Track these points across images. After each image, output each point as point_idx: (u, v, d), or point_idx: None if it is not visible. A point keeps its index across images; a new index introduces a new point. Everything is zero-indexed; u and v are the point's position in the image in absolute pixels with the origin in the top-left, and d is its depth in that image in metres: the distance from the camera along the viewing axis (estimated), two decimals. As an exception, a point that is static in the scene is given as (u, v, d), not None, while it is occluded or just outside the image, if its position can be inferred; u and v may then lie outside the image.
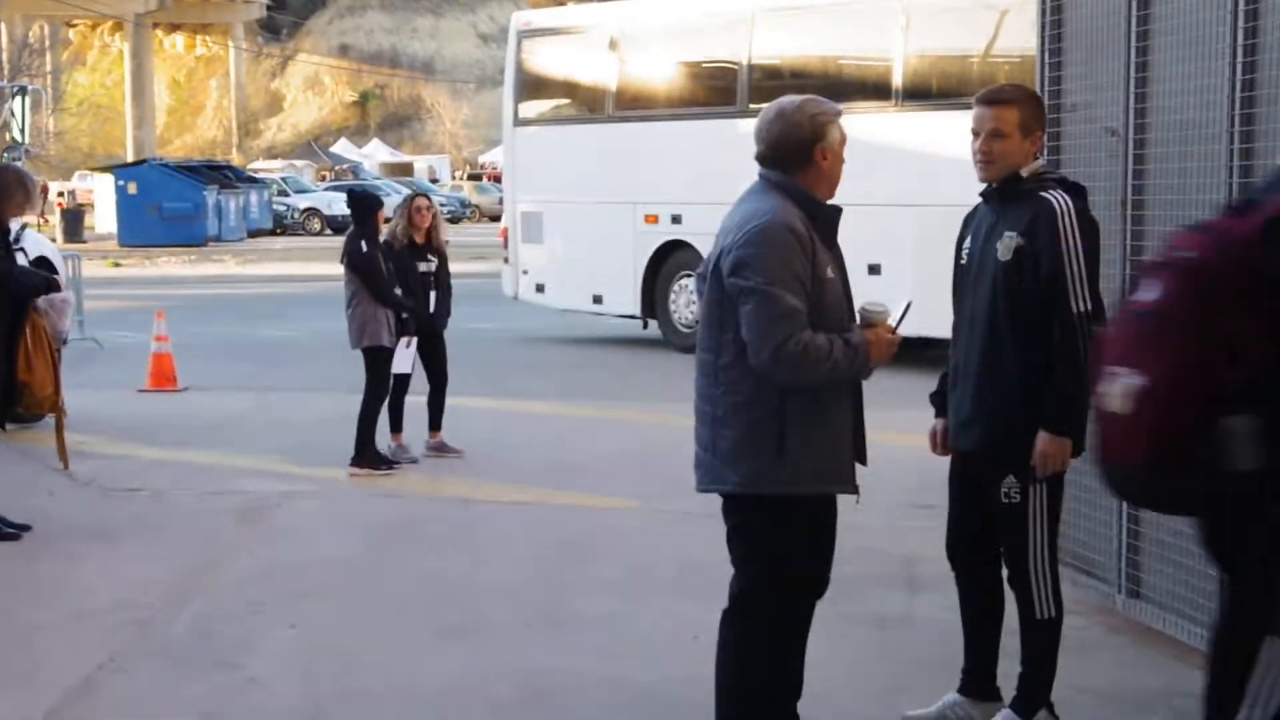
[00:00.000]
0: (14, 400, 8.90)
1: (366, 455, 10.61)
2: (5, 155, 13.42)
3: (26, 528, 8.73)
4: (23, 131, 13.74)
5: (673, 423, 12.85)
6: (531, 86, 19.49)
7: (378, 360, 10.57)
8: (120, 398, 14.46)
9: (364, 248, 10.43)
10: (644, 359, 17.44)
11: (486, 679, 6.21)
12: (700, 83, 18.30)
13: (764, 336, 4.58)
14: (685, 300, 17.89)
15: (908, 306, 4.89)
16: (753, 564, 4.89)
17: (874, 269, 16.10)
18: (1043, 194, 5.24)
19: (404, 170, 68.53)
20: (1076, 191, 5.34)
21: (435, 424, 11.26)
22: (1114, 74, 6.68)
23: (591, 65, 18.79)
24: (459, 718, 5.79)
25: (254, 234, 48.98)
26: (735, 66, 17.26)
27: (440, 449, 11.20)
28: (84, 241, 45.14)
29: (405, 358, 10.75)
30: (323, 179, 63.73)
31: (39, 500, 9.72)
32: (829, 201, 4.84)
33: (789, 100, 4.88)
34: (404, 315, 10.60)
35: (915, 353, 16.50)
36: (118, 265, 36.70)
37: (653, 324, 18.42)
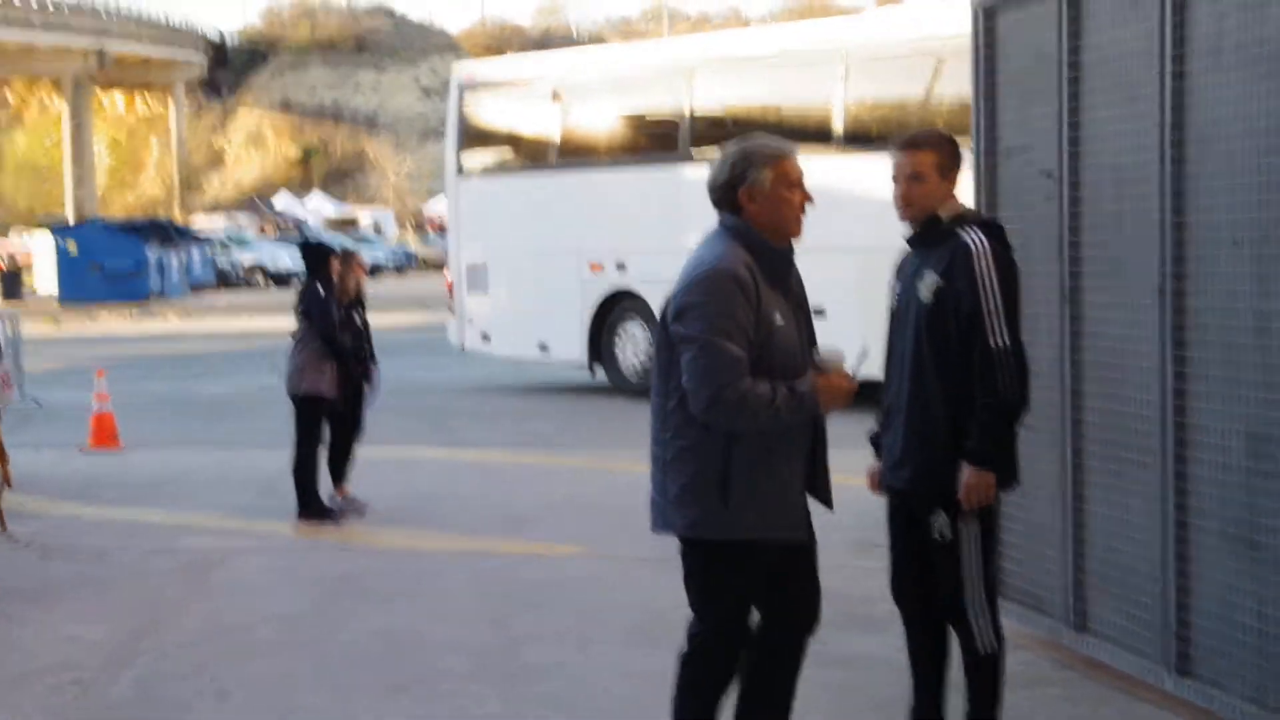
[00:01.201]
0: None
1: (311, 507, 10.55)
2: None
3: None
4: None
5: (621, 469, 12.89)
6: (474, 137, 19.54)
7: (312, 409, 10.55)
8: (62, 457, 14.35)
9: (320, 293, 10.49)
10: (591, 406, 17.45)
11: (437, 732, 6.19)
12: (643, 132, 18.39)
13: (701, 384, 4.61)
14: (631, 348, 17.92)
15: (864, 353, 4.93)
16: (706, 608, 4.93)
17: (818, 312, 16.11)
18: (960, 234, 5.32)
19: (349, 223, 68.44)
20: (993, 231, 5.43)
21: (341, 477, 11.12)
22: (1047, 118, 6.75)
23: (534, 116, 18.86)
24: (409, 772, 5.75)
25: (197, 289, 48.80)
26: (677, 115, 17.35)
27: (351, 504, 11.03)
28: (22, 300, 44.87)
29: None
30: (264, 233, 63.55)
31: (-22, 563, 9.64)
32: (792, 240, 4.90)
33: (734, 142, 4.96)
34: (348, 364, 10.61)
35: (865, 395, 16.61)
36: (58, 323, 36.45)
37: (600, 371, 18.43)
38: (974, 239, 5.32)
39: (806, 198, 4.91)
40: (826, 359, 4.79)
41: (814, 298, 16.81)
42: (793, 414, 4.67)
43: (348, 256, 11.06)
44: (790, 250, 4.88)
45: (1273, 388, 5.44)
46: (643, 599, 8.32)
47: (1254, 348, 5.55)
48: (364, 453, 12.19)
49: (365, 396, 11.08)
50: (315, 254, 10.90)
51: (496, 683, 6.86)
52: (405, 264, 60.23)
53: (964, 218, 5.47)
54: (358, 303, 10.99)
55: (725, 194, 4.85)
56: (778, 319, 4.72)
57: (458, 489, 12.06)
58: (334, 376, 10.58)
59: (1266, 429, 5.49)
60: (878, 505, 10.95)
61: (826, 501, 5.01)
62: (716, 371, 4.59)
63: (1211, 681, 5.88)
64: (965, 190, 7.43)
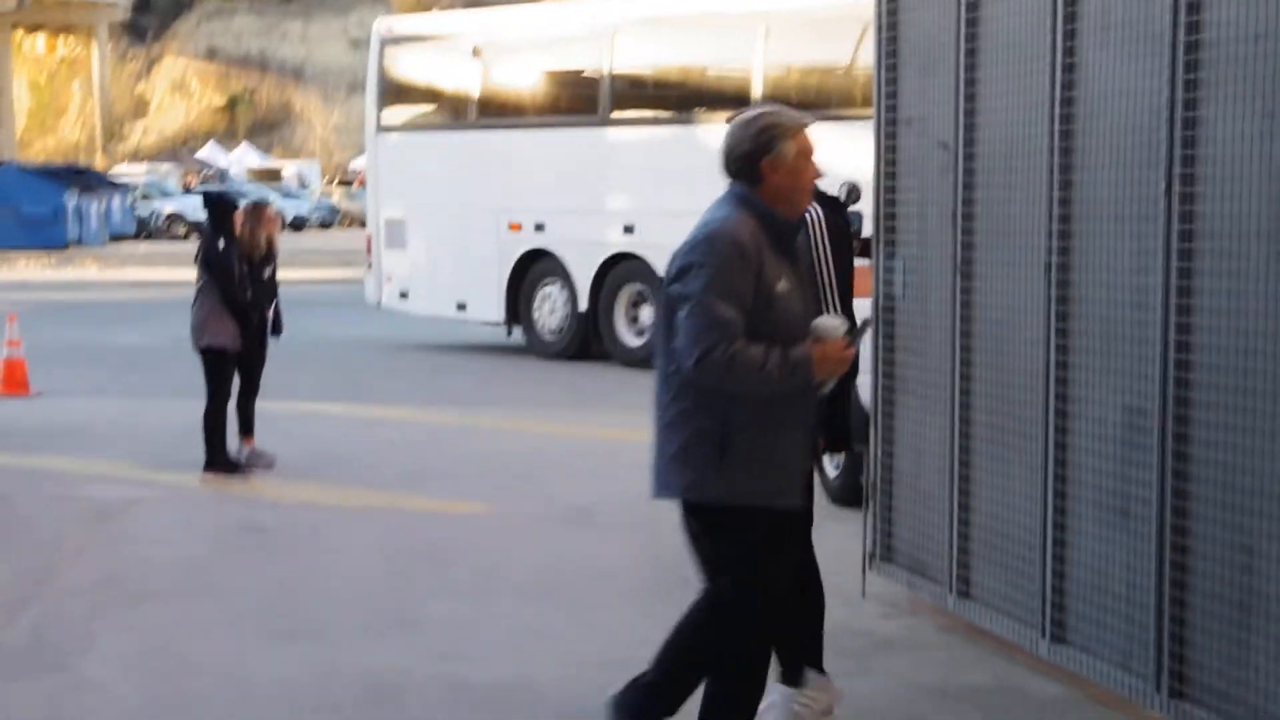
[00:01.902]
0: None
1: (218, 460, 10.57)
2: None
3: None
4: None
5: (531, 429, 12.98)
6: (394, 93, 19.47)
7: (218, 362, 10.54)
8: (-31, 404, 14.28)
9: (220, 246, 10.44)
10: (507, 366, 17.49)
11: (323, 680, 6.25)
12: (563, 92, 18.40)
13: (691, 344, 4.64)
14: (549, 308, 17.96)
15: (865, 325, 5.00)
16: (718, 575, 4.89)
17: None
18: (808, 210, 5.46)
19: (272, 175, 67.78)
20: (832, 204, 5.77)
21: (249, 429, 11.14)
22: (945, 89, 6.86)
23: (455, 72, 18.82)
24: (293, 718, 5.81)
25: (116, 238, 48.30)
26: (597, 76, 17.37)
27: (255, 455, 11.03)
28: (-61, 244, 44.35)
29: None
30: (189, 184, 62.93)
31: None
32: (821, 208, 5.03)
33: (748, 113, 4.99)
34: (248, 318, 10.59)
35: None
36: (-26, 269, 36.07)
37: (517, 331, 18.47)
38: (812, 212, 5.60)
39: (817, 171, 4.93)
40: (824, 327, 4.79)
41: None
42: (785, 379, 4.68)
43: (257, 208, 11.01)
44: (798, 221, 4.91)
45: (1147, 361, 5.58)
46: (541, 557, 8.43)
47: (1131, 321, 5.68)
48: (274, 407, 12.23)
49: (269, 350, 11.09)
50: (218, 206, 10.81)
51: (388, 633, 6.93)
52: (330, 218, 59.85)
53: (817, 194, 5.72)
54: (269, 256, 10.95)
55: (746, 164, 4.85)
56: (781, 286, 4.73)
57: (366, 445, 12.10)
58: (237, 329, 10.57)
59: (1141, 401, 5.63)
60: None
61: (848, 447, 5.40)
62: (706, 331, 4.61)
63: (1083, 648, 6.03)
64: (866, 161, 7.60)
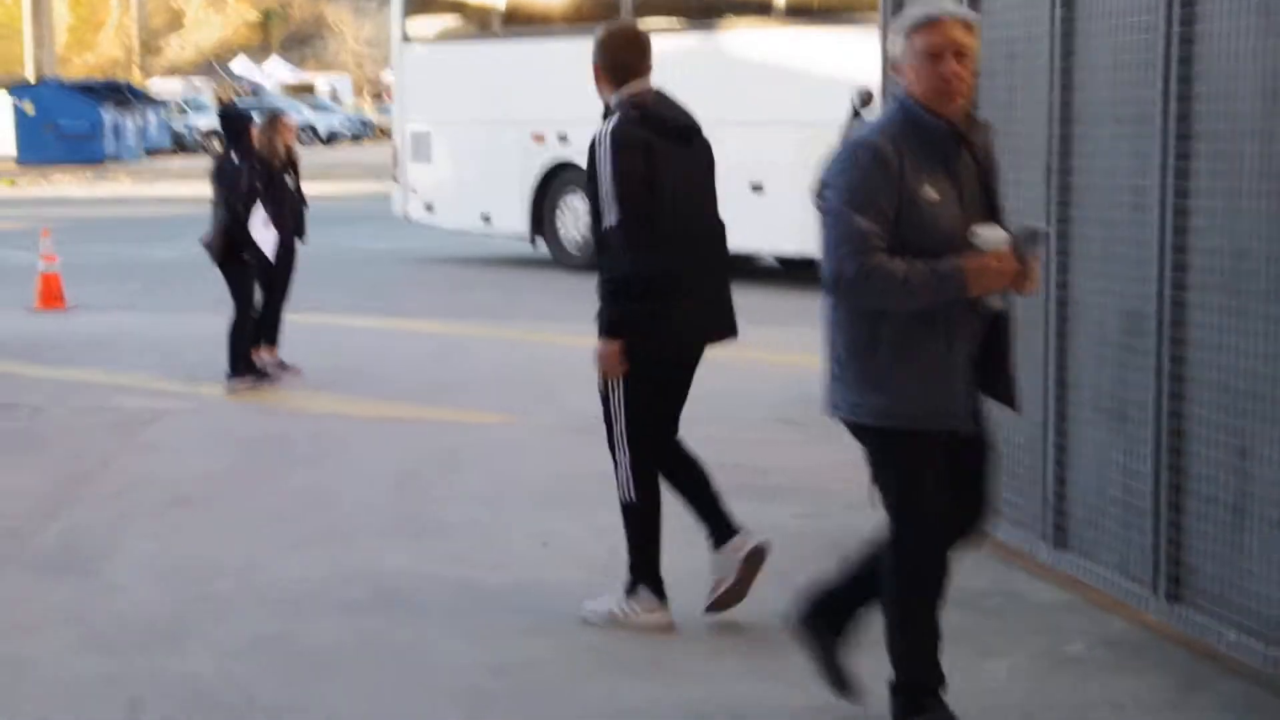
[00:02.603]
0: None
1: (239, 369, 10.71)
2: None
3: None
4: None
5: (555, 341, 13.09)
6: (419, 3, 19.47)
7: (237, 274, 10.65)
8: (7, 317, 14.50)
9: (236, 161, 10.54)
10: (531, 278, 17.59)
11: (341, 582, 6.42)
12: (585, 1, 18.36)
13: (829, 256, 4.47)
14: (573, 220, 18.03)
15: (1034, 233, 4.57)
16: (887, 501, 4.71)
17: (756, 188, 16.34)
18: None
19: (305, 89, 67.79)
20: (622, 113, 5.75)
21: (275, 339, 11.29)
22: (950, -4, 6.87)
23: (479, -17, 18.83)
24: (310, 617, 5.98)
25: (152, 153, 48.48)
26: (621, -16, 17.34)
27: (280, 366, 11.22)
28: (-21, 160, 44.66)
29: (267, 239, 10.68)
30: (223, 99, 62.97)
31: (-84, 416, 9.83)
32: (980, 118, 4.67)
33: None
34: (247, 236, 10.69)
35: (795, 272, 16.82)
36: (14, 184, 36.30)
37: (542, 244, 18.55)
38: (602, 124, 5.71)
39: (957, 69, 4.50)
40: (982, 237, 4.44)
41: (753, 174, 17.10)
42: (931, 294, 4.40)
43: (274, 118, 11.10)
44: (955, 124, 4.53)
45: (1145, 264, 5.64)
46: (558, 465, 8.56)
47: (1130, 223, 5.74)
48: (301, 319, 12.39)
49: (296, 260, 11.21)
50: (233, 121, 10.90)
51: (406, 539, 7.10)
52: (361, 132, 59.90)
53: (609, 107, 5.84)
54: (289, 166, 11.04)
55: (892, 63, 4.67)
56: (930, 195, 4.46)
57: (391, 357, 12.24)
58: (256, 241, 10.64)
59: (1139, 305, 5.70)
60: (800, 382, 11.25)
61: (1007, 400, 4.71)
62: (842, 243, 4.42)
63: (1083, 553, 6.14)
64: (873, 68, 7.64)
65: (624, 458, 5.88)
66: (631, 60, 5.95)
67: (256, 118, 11.15)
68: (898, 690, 4.78)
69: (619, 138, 5.68)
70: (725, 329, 6.00)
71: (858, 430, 4.67)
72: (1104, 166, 5.90)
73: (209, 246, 10.64)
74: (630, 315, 5.65)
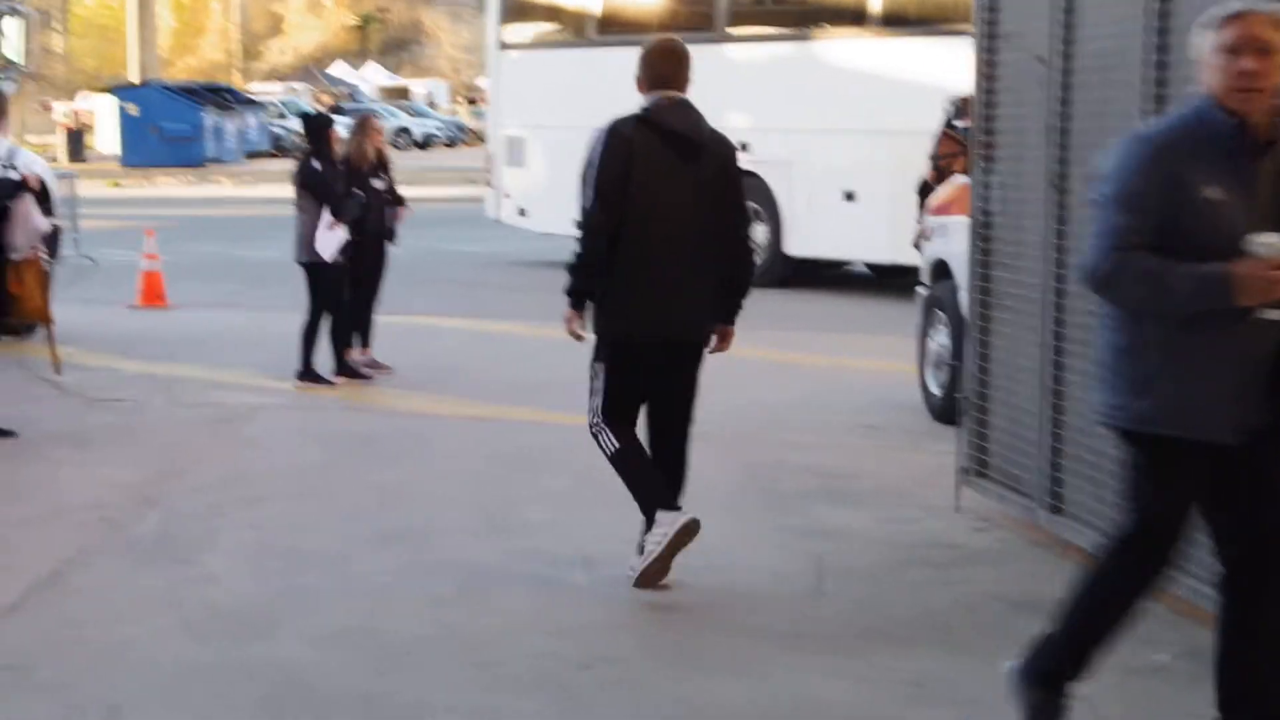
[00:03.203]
0: (5, 311, 9.25)
1: (308, 371, 10.88)
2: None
3: (11, 434, 9.07)
4: (15, 52, 13.88)
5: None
6: (515, 10, 19.66)
7: (318, 276, 10.80)
8: (111, 314, 14.81)
9: (317, 167, 10.69)
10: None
11: (425, 575, 6.54)
12: (680, 8, 18.47)
13: (1088, 251, 4.40)
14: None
15: None
16: (1126, 504, 4.60)
17: (849, 196, 16.37)
18: None
19: (401, 94, 68.43)
20: (629, 115, 6.28)
21: (367, 339, 11.43)
22: (1042, 3, 6.90)
23: (575, -11, 18.98)
24: (398, 610, 6.09)
25: (251, 156, 49.12)
26: (715, -9, 17.43)
27: (372, 365, 11.39)
28: (85, 161, 45.37)
29: (329, 241, 10.73)
30: (323, 102, 63.68)
31: (25, 408, 10.03)
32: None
33: None
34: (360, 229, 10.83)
35: (887, 280, 16.83)
36: (118, 185, 36.93)
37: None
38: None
39: (1257, 65, 4.28)
40: (1261, 243, 4.15)
41: (845, 182, 17.14)
42: (1191, 297, 4.22)
43: (364, 121, 11.27)
44: (1250, 123, 4.30)
45: (1232, 276, 5.62)
46: (643, 465, 8.61)
47: (1218, 237, 5.73)
48: (393, 320, 12.57)
49: (386, 261, 11.37)
50: (314, 126, 11.05)
51: (488, 534, 7.21)
52: (456, 136, 60.37)
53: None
54: (379, 168, 11.20)
55: (1195, 61, 4.54)
56: (1210, 193, 4.25)
57: (480, 358, 12.37)
58: (336, 245, 10.76)
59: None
60: (884, 388, 11.28)
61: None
62: (1100, 236, 4.32)
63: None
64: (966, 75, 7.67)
65: (598, 423, 6.44)
66: (665, 71, 6.39)
67: (341, 123, 11.29)
68: (1037, 668, 4.70)
69: (610, 133, 6.22)
70: (686, 329, 6.37)
71: (1117, 433, 4.56)
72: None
73: (299, 245, 10.80)
74: (583, 291, 6.31)
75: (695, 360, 6.46)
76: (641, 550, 6.32)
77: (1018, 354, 7.28)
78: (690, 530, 6.29)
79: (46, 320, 9.78)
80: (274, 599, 6.23)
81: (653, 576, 6.29)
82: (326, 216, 10.59)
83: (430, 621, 5.96)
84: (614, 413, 6.39)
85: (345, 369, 11.04)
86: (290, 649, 5.63)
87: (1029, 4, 7.09)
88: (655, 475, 6.38)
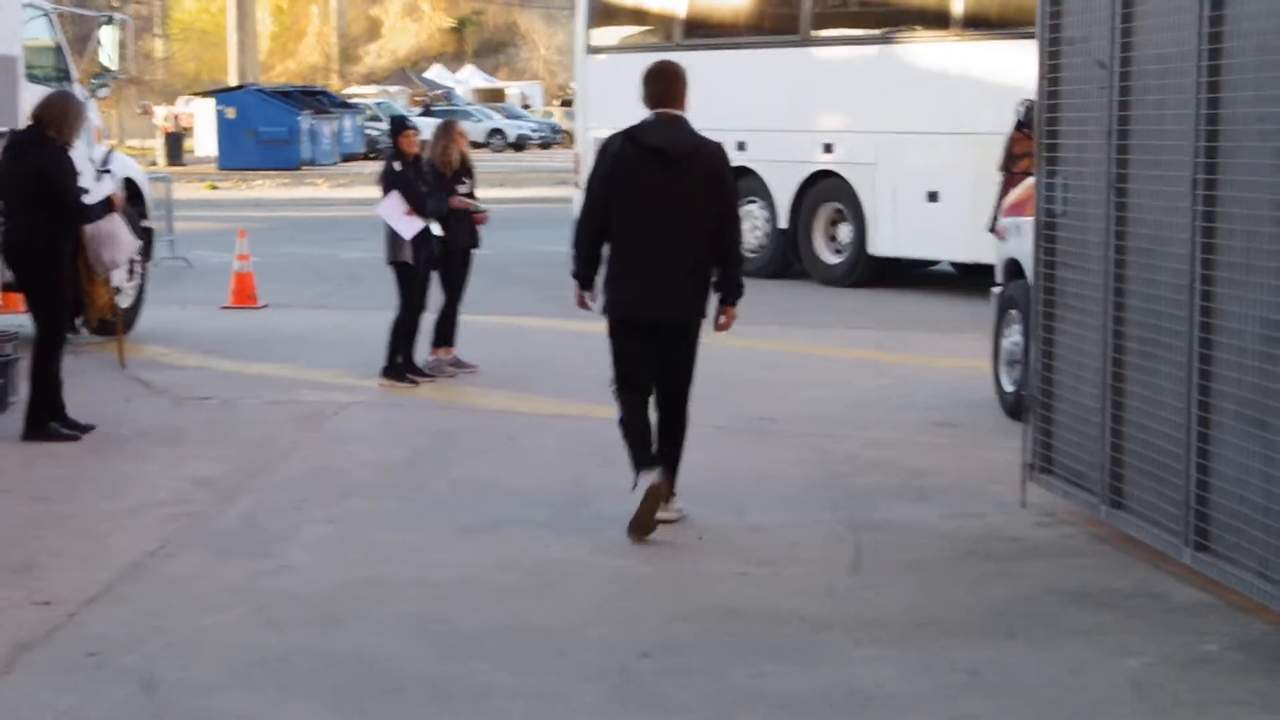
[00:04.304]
0: (79, 310, 9.59)
1: (392, 368, 11.12)
2: (92, 82, 13.96)
3: (90, 427, 9.37)
4: (111, 59, 14.26)
5: (725, 343, 13.27)
6: (603, 14, 19.87)
7: (406, 276, 11.05)
8: (203, 314, 15.16)
9: (395, 168, 10.95)
10: (708, 283, 17.82)
11: (499, 569, 6.74)
12: (765, 11, 18.62)
13: None
14: (749, 225, 18.24)
15: None
16: None
17: (932, 196, 16.43)
18: None
19: (496, 96, 69.00)
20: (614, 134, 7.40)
21: (450, 340, 11.66)
22: (1103, 8, 7.00)
23: (662, -7, 19.17)
24: (470, 600, 6.31)
25: (347, 158, 49.72)
26: (800, -3, 17.56)
27: (456, 364, 11.62)
28: (184, 165, 46.17)
29: (410, 224, 10.95)
30: (417, 105, 64.35)
31: (116, 406, 10.38)
32: None
33: None
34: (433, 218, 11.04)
35: (971, 279, 16.86)
36: (215, 188, 37.58)
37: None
38: None
39: None
40: None
41: (929, 182, 17.17)
42: None
43: (448, 126, 11.51)
44: None
45: (1285, 275, 5.72)
46: (716, 463, 8.79)
47: (1270, 236, 5.82)
48: (481, 319, 12.85)
49: (471, 263, 11.60)
50: (392, 129, 11.31)
51: (562, 529, 7.40)
52: (551, 138, 60.75)
53: None
54: (464, 171, 11.44)
55: None
56: None
57: (566, 357, 12.56)
58: (420, 244, 11.00)
59: (1277, 314, 5.77)
60: (961, 386, 11.37)
61: None
62: None
63: (1224, 556, 6.21)
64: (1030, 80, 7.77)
65: (612, 385, 7.53)
66: (659, 91, 7.40)
67: (426, 125, 11.54)
68: None
69: (601, 147, 7.46)
70: (669, 309, 7.38)
71: None
72: (1246, 180, 5.99)
73: (388, 246, 11.07)
74: (583, 274, 7.50)
75: (685, 336, 7.48)
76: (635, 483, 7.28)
77: (1081, 352, 7.39)
78: (655, 493, 7.13)
79: (116, 314, 10.11)
80: (350, 590, 6.45)
81: (637, 530, 7.12)
82: (401, 203, 10.82)
83: (500, 611, 6.17)
84: (621, 379, 7.46)
85: (414, 369, 11.26)
86: (363, 637, 5.85)
87: (1091, 9, 7.19)
88: (644, 441, 7.36)
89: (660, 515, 7.19)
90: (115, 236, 9.70)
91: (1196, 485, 6.35)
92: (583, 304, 7.59)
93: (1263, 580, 5.94)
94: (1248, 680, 5.37)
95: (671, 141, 7.31)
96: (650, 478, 7.17)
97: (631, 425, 7.39)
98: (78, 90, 13.25)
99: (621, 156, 7.30)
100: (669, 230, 7.28)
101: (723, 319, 7.57)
